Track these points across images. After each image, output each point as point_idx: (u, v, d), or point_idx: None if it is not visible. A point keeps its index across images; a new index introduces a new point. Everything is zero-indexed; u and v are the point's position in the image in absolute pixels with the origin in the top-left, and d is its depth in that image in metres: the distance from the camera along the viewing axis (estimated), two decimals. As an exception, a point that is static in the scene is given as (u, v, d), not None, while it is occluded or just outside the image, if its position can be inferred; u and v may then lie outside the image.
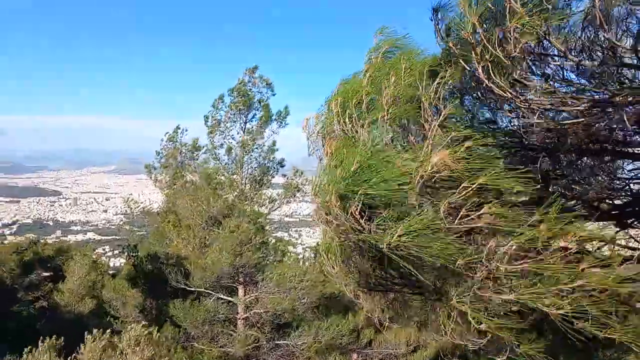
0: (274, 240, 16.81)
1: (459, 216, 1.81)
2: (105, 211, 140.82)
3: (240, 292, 13.85)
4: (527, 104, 1.91)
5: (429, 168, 1.78)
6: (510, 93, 1.88)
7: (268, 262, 14.28)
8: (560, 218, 1.77)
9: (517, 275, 1.87)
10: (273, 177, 15.31)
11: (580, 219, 1.96)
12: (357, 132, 2.10)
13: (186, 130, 16.85)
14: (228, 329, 13.92)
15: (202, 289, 13.42)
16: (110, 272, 25.44)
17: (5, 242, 38.93)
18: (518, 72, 1.86)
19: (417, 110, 2.03)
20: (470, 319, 1.97)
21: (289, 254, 16.61)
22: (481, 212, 1.75)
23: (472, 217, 1.80)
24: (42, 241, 30.52)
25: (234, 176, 14.60)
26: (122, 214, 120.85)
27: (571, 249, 1.75)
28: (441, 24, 2.30)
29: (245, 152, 14.63)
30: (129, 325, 8.25)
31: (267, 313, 13.39)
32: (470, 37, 1.81)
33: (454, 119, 2.00)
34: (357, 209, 1.93)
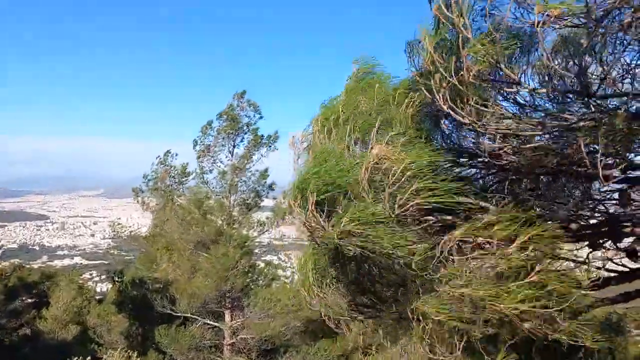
0: (262, 265, 16.73)
1: (398, 204, 1.90)
2: (93, 235, 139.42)
3: (227, 317, 13.70)
4: (484, 129, 2.00)
5: (371, 159, 1.89)
6: (468, 118, 1.97)
7: (256, 286, 14.19)
8: (515, 221, 1.88)
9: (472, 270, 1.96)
10: (262, 200, 15.33)
11: (557, 238, 2.04)
12: (329, 144, 2.20)
13: (177, 155, 16.87)
14: (214, 355, 13.73)
15: (189, 314, 13.27)
16: (97, 297, 25.02)
17: (-10, 267, 38.21)
18: (473, 98, 1.95)
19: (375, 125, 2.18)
20: (433, 316, 2.04)
21: (277, 277, 16.51)
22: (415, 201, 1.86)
23: (410, 205, 1.89)
24: (27, 266, 30.07)
25: (223, 200, 14.59)
26: (109, 239, 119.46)
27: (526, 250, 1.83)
28: (413, 56, 2.41)
29: (235, 175, 14.67)
30: (109, 352, 8.13)
31: (253, 339, 13.24)
32: (430, 65, 1.91)
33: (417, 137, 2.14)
34: (312, 204, 2.01)
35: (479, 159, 2.31)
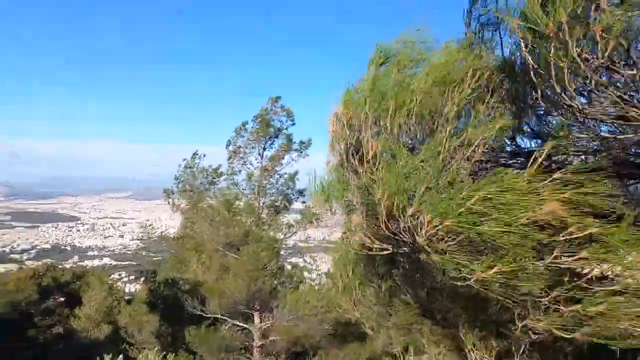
0: (289, 267, 16.74)
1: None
2: (122, 236, 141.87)
3: (256, 319, 13.73)
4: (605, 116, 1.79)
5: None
6: (578, 103, 1.77)
7: (284, 288, 14.20)
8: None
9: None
10: (291, 203, 15.41)
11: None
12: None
13: (204, 156, 17.10)
14: (244, 356, 13.77)
15: (218, 315, 13.34)
16: (126, 297, 25.42)
17: (24, 267, 39.24)
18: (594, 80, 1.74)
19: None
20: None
21: (304, 280, 16.50)
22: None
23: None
24: (59, 266, 30.77)
25: (253, 202, 14.69)
26: (138, 240, 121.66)
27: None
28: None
29: (265, 178, 14.80)
30: (143, 351, 8.20)
31: (282, 340, 13.24)
32: (554, 34, 1.66)
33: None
34: (386, 214, 1.91)
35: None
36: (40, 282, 24.70)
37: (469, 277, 1.82)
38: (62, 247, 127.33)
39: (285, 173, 15.24)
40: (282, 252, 15.21)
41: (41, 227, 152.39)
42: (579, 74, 1.73)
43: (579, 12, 1.64)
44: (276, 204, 15.17)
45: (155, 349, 11.18)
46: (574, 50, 1.64)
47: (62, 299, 25.20)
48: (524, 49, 1.86)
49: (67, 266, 36.51)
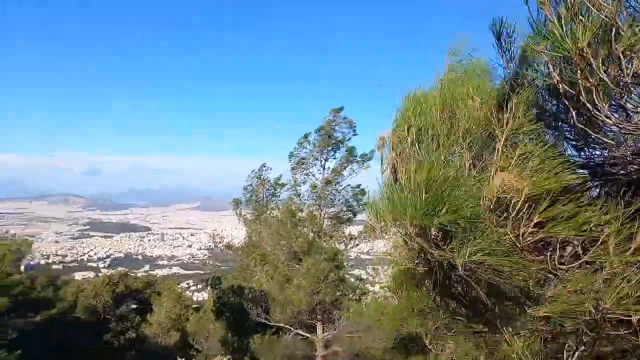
0: (352, 278, 16.73)
1: (523, 234, 1.78)
2: (190, 246, 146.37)
3: (319, 329, 13.82)
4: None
5: (494, 190, 1.77)
6: (614, 119, 1.78)
7: (346, 299, 14.20)
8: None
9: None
10: (354, 215, 15.44)
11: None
12: (429, 157, 2.10)
13: (271, 169, 17.51)
14: (307, 366, 13.89)
15: (282, 324, 13.54)
16: (194, 306, 26.23)
17: (100, 274, 41.34)
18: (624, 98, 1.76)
19: (488, 138, 2.03)
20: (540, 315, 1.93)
21: (367, 292, 16.43)
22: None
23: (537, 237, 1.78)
24: (132, 275, 32.26)
25: (315, 212, 14.85)
26: (205, 249, 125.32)
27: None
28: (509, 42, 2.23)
29: (327, 189, 14.94)
30: (214, 359, 8.47)
31: (344, 352, 13.24)
32: (578, 58, 1.71)
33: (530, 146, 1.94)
34: (433, 235, 1.95)
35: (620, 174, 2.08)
36: (114, 289, 25.99)
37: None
38: (134, 256, 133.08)
39: (348, 185, 15.34)
40: (345, 264, 15.25)
41: (115, 237, 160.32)
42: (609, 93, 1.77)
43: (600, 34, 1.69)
44: (339, 215, 15.26)
45: (227, 357, 11.57)
46: (601, 70, 1.69)
47: (135, 305, 26.40)
48: (554, 72, 1.89)
49: (139, 274, 38.21)
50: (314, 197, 15.14)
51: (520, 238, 1.80)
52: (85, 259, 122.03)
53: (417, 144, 2.33)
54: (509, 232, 1.80)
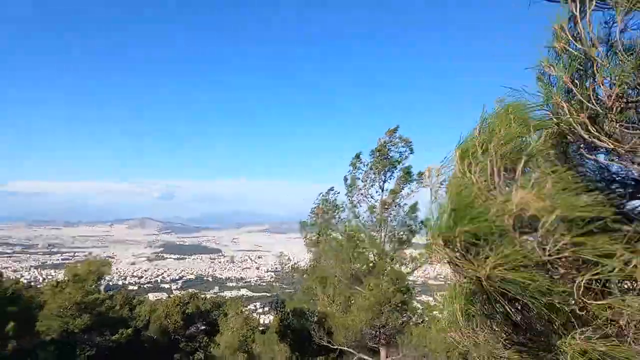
0: (418, 304, 16.43)
1: (548, 253, 1.77)
2: (258, 268, 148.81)
3: (382, 353, 13.63)
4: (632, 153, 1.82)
5: (514, 207, 1.80)
6: (611, 143, 1.81)
7: (410, 323, 13.95)
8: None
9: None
10: (413, 235, 15.17)
11: None
12: (469, 177, 2.16)
13: (338, 192, 17.60)
14: (370, 390, 13.69)
15: (345, 348, 13.49)
16: (260, 328, 26.65)
17: (172, 295, 42.91)
18: (616, 121, 1.80)
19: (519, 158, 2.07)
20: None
21: (429, 316, 16.03)
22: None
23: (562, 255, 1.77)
24: (202, 296, 33.24)
25: (374, 234, 14.75)
26: (272, 271, 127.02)
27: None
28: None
29: (385, 210, 14.82)
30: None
31: (409, 377, 12.96)
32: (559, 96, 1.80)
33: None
34: (459, 248, 1.98)
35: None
36: (184, 309, 26.93)
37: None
38: (205, 278, 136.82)
39: (406, 204, 15.10)
40: (409, 288, 15.01)
41: (188, 259, 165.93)
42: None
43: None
44: (399, 236, 15.05)
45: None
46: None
47: (203, 327, 27.17)
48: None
49: (208, 296, 39.28)
50: (374, 219, 15.06)
51: (546, 252, 1.82)
52: (159, 280, 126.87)
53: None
54: (535, 246, 1.82)
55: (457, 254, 2.02)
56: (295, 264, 21.84)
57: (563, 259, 1.79)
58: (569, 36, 1.80)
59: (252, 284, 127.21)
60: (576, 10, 1.77)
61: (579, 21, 1.78)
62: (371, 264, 13.59)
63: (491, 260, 1.85)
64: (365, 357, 13.61)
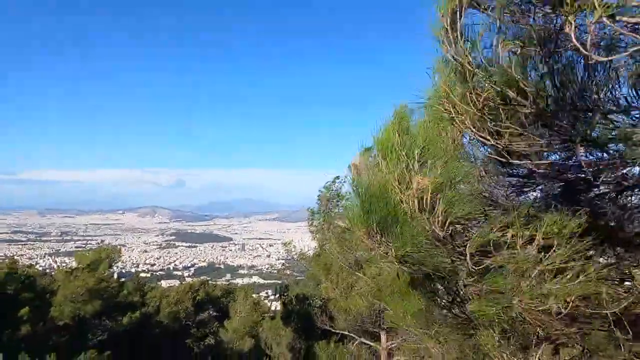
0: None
1: (440, 224, 2.03)
2: (269, 256, 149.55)
3: (383, 338, 13.90)
4: (506, 149, 2.07)
5: (414, 191, 2.06)
6: (489, 140, 2.06)
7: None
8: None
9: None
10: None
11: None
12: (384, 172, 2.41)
13: (344, 182, 17.80)
14: (371, 374, 14.02)
15: (346, 332, 13.79)
16: (271, 314, 27.03)
17: (184, 282, 43.52)
18: (489, 122, 2.04)
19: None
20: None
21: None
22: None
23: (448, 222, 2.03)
24: (211, 282, 33.78)
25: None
26: (283, 259, 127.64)
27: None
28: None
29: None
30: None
31: (408, 361, 13.22)
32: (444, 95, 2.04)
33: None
34: (374, 234, 2.24)
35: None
36: (195, 296, 27.45)
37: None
38: (217, 265, 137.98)
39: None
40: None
41: (199, 247, 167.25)
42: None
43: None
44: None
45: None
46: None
47: (214, 313, 27.69)
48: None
49: (220, 283, 39.83)
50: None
51: (437, 229, 2.08)
52: (171, 268, 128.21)
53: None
54: (427, 226, 2.08)
55: (373, 240, 2.29)
56: (302, 251, 22.16)
57: (456, 234, 2.06)
58: (447, 45, 2.05)
59: (264, 271, 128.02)
60: (447, 24, 2.02)
61: (453, 31, 2.02)
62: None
63: (399, 241, 2.12)
64: (367, 342, 13.91)
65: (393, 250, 2.20)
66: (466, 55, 2.00)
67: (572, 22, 1.66)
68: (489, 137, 2.08)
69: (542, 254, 2.00)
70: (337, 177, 17.84)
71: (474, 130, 2.08)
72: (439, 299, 2.98)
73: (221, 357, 21.86)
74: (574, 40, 1.70)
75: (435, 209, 2.09)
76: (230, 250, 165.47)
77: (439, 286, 2.82)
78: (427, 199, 2.09)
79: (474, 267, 2.17)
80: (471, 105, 2.01)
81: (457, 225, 2.15)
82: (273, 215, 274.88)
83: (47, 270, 33.24)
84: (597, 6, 1.55)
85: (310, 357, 14.60)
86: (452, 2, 2.02)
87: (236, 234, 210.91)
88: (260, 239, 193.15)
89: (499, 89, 1.92)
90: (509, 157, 2.12)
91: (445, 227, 2.12)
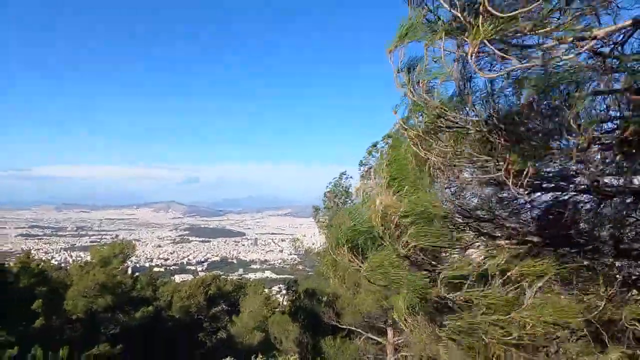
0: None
1: (402, 246, 2.14)
2: (281, 251, 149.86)
3: (390, 334, 14.01)
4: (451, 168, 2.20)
5: (377, 207, 2.18)
6: (442, 170, 2.18)
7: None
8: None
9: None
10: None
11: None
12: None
13: (351, 177, 17.81)
14: (377, 369, 14.14)
15: (353, 328, 13.92)
16: (279, 309, 27.18)
17: (197, 277, 43.85)
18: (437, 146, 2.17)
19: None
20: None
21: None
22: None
23: (410, 245, 2.13)
24: (223, 277, 34.01)
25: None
26: (295, 254, 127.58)
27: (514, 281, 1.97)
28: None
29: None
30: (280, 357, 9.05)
31: (414, 357, 13.31)
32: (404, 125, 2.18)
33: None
34: (349, 249, 2.36)
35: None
36: (207, 290, 27.67)
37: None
38: (230, 260, 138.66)
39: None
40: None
41: (212, 242, 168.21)
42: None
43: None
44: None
45: (295, 357, 12.17)
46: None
47: (226, 307, 27.91)
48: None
49: (233, 278, 40.07)
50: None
51: (402, 249, 2.19)
52: (185, 262, 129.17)
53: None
54: (396, 246, 2.19)
55: (349, 258, 2.41)
56: (309, 246, 22.22)
57: (420, 254, 2.18)
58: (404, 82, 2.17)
59: (276, 266, 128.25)
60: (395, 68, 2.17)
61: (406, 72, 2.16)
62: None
63: (366, 264, 2.24)
64: (373, 337, 14.03)
65: (365, 268, 2.32)
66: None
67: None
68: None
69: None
70: (344, 173, 17.87)
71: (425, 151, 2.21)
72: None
73: (231, 351, 22.11)
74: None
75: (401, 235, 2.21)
76: (243, 245, 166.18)
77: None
78: (394, 220, 2.21)
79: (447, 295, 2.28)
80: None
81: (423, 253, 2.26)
82: (286, 210, 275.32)
83: (63, 265, 33.76)
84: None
85: (318, 352, 14.77)
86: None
87: (249, 229, 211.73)
88: (272, 234, 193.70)
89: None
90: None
91: (407, 246, 2.23)
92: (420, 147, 2.19)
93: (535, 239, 2.36)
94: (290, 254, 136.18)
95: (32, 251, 36.12)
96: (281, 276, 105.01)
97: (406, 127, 2.25)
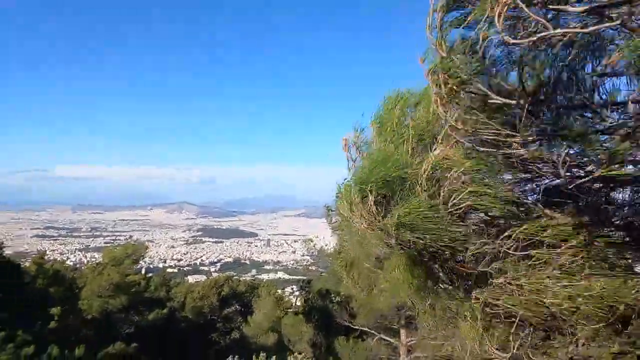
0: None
1: (452, 202, 2.08)
2: (294, 252, 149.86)
3: (402, 335, 13.90)
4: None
5: (432, 158, 2.12)
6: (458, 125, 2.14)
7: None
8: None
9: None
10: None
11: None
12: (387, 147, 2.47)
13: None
14: (391, 370, 14.04)
15: (366, 328, 13.85)
16: (292, 310, 27.14)
17: (210, 277, 44.02)
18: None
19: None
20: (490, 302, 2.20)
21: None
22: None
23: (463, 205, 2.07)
24: (236, 278, 34.07)
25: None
26: (308, 255, 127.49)
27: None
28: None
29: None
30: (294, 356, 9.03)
31: (427, 358, 13.20)
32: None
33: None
34: (372, 201, 2.30)
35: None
36: (220, 291, 27.76)
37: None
38: (243, 261, 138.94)
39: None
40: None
41: (225, 242, 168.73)
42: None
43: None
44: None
45: (304, 357, 12.11)
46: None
47: (239, 308, 27.97)
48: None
49: (246, 278, 40.13)
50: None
51: (449, 205, 2.14)
52: (198, 263, 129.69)
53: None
54: (441, 200, 2.13)
55: (369, 208, 2.35)
56: (322, 247, 22.19)
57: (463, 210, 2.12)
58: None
59: (289, 267, 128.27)
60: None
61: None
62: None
63: (400, 208, 2.18)
64: (386, 338, 13.93)
65: (394, 215, 2.25)
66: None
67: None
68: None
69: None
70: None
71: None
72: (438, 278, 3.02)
73: (244, 352, 22.13)
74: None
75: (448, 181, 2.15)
76: (256, 246, 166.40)
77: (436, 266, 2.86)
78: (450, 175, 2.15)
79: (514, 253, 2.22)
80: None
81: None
82: (299, 211, 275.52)
83: (77, 265, 34.05)
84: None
85: (331, 353, 14.73)
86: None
87: (262, 229, 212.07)
88: (285, 234, 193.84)
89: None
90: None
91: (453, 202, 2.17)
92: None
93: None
94: (303, 255, 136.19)
95: (48, 252, 36.57)
96: (294, 277, 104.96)
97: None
